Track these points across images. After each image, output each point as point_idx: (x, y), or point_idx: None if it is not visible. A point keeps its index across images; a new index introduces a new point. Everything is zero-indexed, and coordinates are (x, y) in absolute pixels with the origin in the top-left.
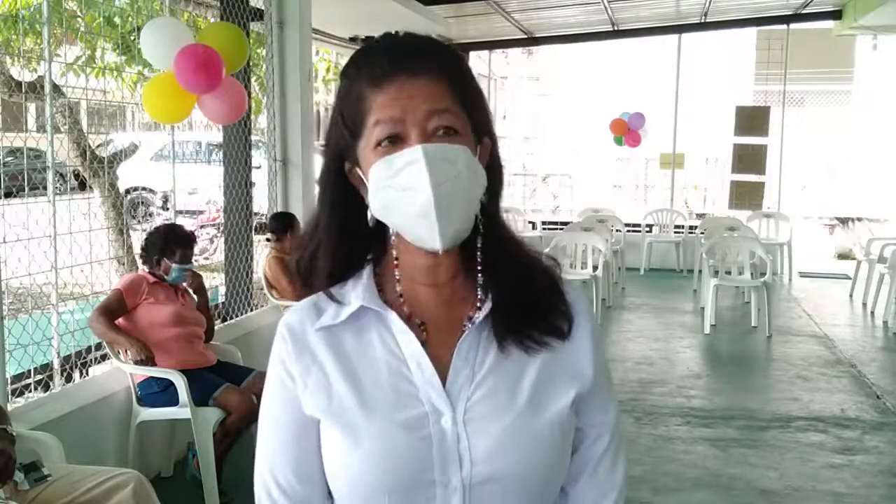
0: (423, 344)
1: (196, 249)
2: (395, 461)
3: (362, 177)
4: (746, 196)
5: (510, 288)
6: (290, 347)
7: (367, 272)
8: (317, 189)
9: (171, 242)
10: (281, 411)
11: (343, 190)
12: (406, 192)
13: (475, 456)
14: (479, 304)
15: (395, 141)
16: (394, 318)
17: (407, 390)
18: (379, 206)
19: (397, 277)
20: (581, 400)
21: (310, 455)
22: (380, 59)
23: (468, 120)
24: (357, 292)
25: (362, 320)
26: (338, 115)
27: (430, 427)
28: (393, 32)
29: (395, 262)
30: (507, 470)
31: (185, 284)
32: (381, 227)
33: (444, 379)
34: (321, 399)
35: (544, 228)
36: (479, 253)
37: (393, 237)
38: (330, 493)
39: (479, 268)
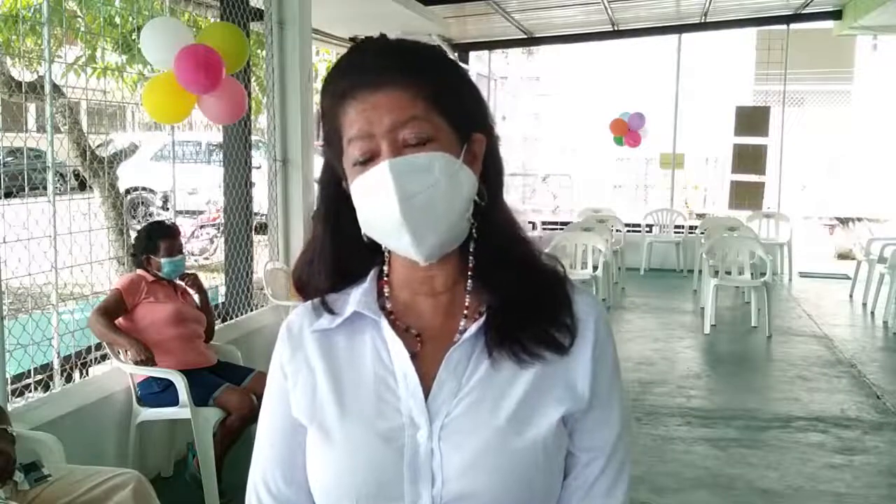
0: (415, 355)
1: (196, 249)
2: (365, 469)
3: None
4: (746, 196)
5: (505, 295)
6: (287, 347)
7: (371, 277)
8: (317, 191)
9: (154, 237)
10: (275, 412)
11: (337, 202)
12: (378, 210)
13: (447, 473)
14: (468, 314)
15: (370, 157)
16: (385, 326)
17: (388, 400)
18: (362, 222)
19: (386, 294)
20: (573, 420)
21: (298, 458)
22: (343, 74)
23: (446, 121)
24: (355, 298)
25: (357, 325)
26: (323, 134)
27: (405, 439)
28: (362, 41)
29: (386, 279)
30: (478, 489)
31: (183, 284)
32: None
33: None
34: (306, 401)
35: (544, 228)
36: (471, 258)
37: (385, 251)
38: None
39: (468, 273)
